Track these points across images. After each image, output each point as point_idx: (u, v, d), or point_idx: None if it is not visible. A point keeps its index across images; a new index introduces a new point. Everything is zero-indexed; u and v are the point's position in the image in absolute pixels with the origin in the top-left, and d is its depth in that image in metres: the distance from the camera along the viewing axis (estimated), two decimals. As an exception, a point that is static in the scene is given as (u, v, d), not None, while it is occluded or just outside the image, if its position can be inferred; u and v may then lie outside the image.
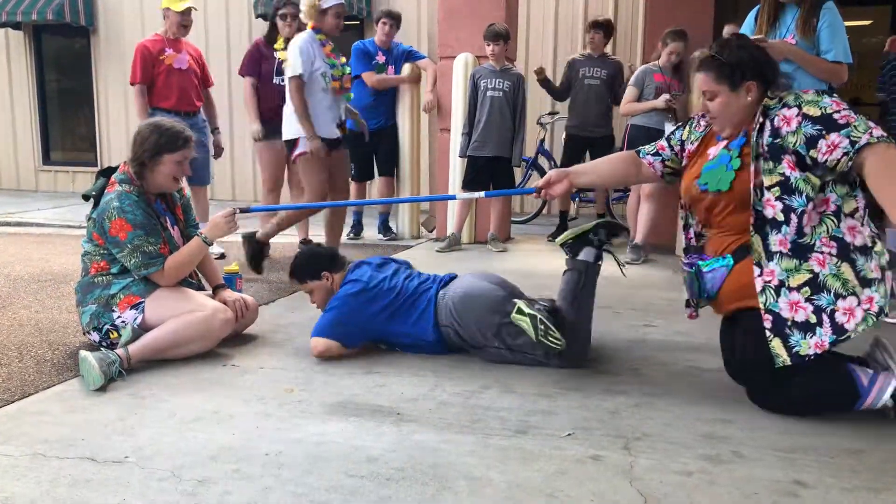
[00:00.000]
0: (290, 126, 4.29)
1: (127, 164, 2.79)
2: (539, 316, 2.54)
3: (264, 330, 3.18)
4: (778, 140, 2.15)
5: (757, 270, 2.18)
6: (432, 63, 5.87)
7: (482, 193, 3.15)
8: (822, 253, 2.13)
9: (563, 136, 6.07)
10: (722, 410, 2.29)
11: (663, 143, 2.58)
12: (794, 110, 2.14)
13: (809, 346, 2.12)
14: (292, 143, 4.29)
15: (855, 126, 2.05)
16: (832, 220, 2.15)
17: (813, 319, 2.12)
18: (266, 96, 4.93)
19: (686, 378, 2.61)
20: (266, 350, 2.92)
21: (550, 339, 2.54)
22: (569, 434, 2.10)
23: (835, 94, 2.25)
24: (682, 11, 5.54)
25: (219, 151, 5.23)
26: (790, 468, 1.90)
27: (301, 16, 4.30)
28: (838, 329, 2.11)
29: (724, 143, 2.33)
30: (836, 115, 2.08)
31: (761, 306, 2.17)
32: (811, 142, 2.09)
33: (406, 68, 5.79)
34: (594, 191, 6.18)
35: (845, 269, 2.11)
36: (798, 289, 2.13)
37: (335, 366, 2.69)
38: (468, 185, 5.28)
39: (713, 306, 2.42)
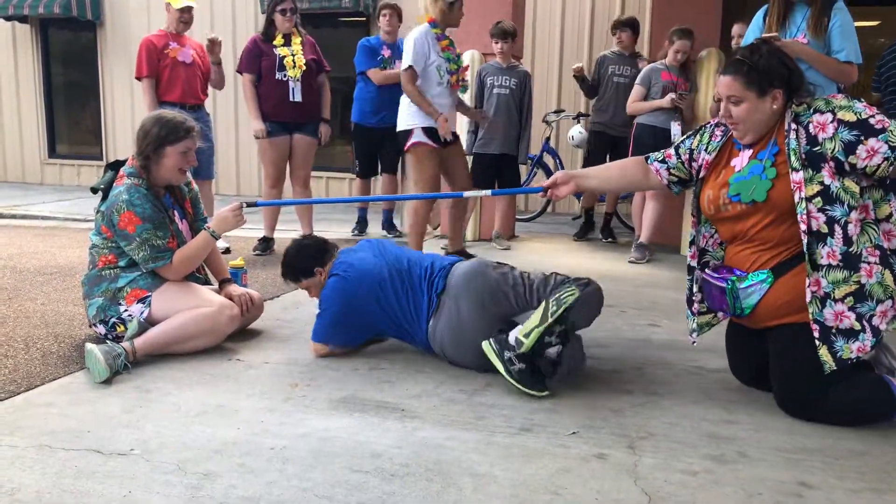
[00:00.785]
0: (405, 117, 4.39)
1: (134, 158, 2.80)
2: (514, 369, 2.38)
3: (269, 325, 3.18)
4: (816, 148, 2.12)
5: (807, 282, 2.15)
6: (439, 59, 5.86)
7: (489, 192, 3.15)
8: (868, 263, 2.12)
9: (581, 134, 6.07)
10: (727, 411, 2.29)
11: (671, 150, 2.54)
12: (829, 116, 2.11)
13: (852, 350, 2.13)
14: (406, 134, 4.37)
15: (891, 131, 2.05)
16: (873, 228, 2.14)
17: (857, 327, 2.13)
18: (268, 93, 4.91)
19: (691, 378, 2.61)
20: (271, 345, 2.92)
21: (524, 386, 2.37)
22: (573, 432, 2.10)
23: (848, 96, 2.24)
24: (689, 10, 5.53)
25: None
26: (795, 469, 1.90)
27: (426, 8, 4.38)
28: (875, 331, 2.13)
29: (750, 152, 2.28)
30: (871, 121, 2.07)
31: (810, 317, 2.15)
32: (850, 147, 2.07)
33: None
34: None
35: (887, 275, 2.12)
36: (842, 300, 2.13)
37: (340, 361, 2.70)
38: (474, 182, 5.28)
39: (746, 321, 2.36)
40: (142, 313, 2.73)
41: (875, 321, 2.13)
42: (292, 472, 1.84)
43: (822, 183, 2.11)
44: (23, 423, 2.13)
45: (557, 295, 2.39)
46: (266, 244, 5.12)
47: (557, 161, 7.04)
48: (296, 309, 3.49)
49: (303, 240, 2.95)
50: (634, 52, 5.69)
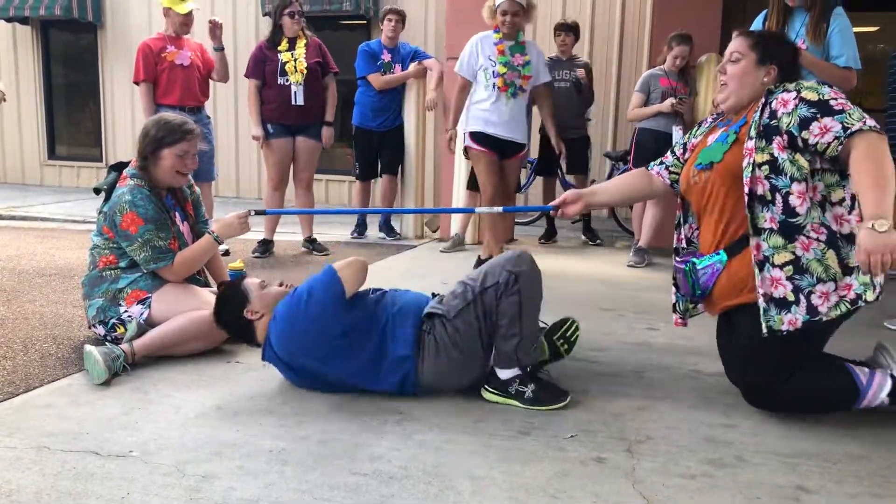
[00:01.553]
0: (462, 121, 4.62)
1: (136, 160, 2.81)
2: (528, 397, 2.31)
3: (268, 327, 3.18)
4: (773, 122, 2.16)
5: (753, 243, 2.18)
6: (438, 63, 5.88)
7: (500, 209, 3.16)
8: (808, 238, 2.13)
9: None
10: (725, 415, 2.29)
11: (668, 152, 2.61)
12: (793, 94, 2.16)
13: (783, 321, 2.14)
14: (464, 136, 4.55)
15: (849, 113, 2.07)
16: (818, 209, 2.15)
17: (791, 298, 2.13)
18: (270, 97, 4.96)
19: (689, 381, 2.61)
20: (270, 347, 2.92)
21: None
22: (572, 436, 2.10)
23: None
24: (690, 15, 5.54)
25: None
26: (793, 473, 1.90)
27: (484, 17, 4.44)
28: (812, 310, 2.12)
29: (726, 128, 2.35)
30: (832, 102, 2.10)
31: (755, 282, 2.16)
32: (804, 123, 2.10)
33: (411, 67, 5.80)
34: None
35: (830, 255, 2.12)
36: (781, 266, 2.14)
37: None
38: (473, 184, 5.29)
39: (706, 307, 2.42)
40: (141, 314, 2.73)
41: (814, 300, 2.12)
42: (291, 474, 1.84)
43: (771, 154, 2.15)
44: (21, 425, 2.13)
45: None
46: (266, 247, 5.12)
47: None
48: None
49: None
50: (572, 56, 5.79)
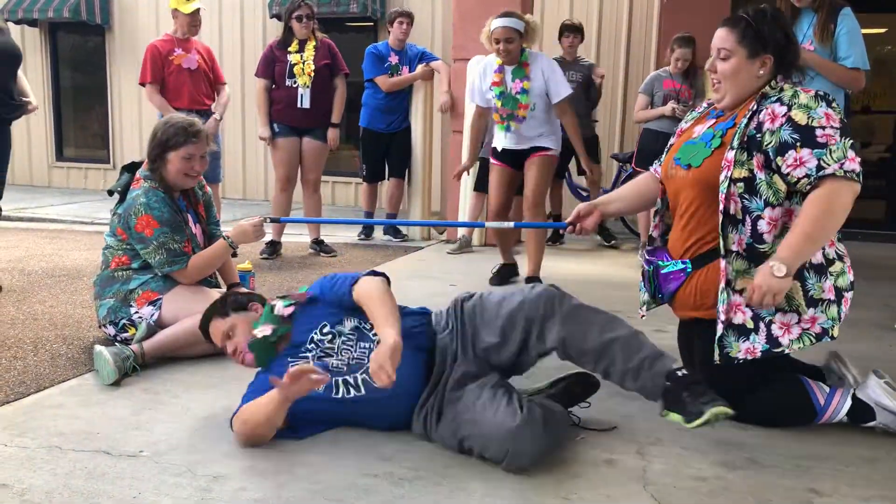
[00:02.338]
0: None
1: (147, 161, 2.81)
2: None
3: (277, 328, 3.18)
4: (758, 135, 2.04)
5: (722, 264, 2.09)
6: (446, 65, 5.88)
7: (512, 224, 3.15)
8: None
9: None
10: (736, 417, 2.28)
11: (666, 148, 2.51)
12: (784, 109, 2.01)
13: (740, 349, 2.08)
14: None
15: (831, 150, 1.93)
16: None
17: (750, 325, 2.07)
18: (279, 98, 4.98)
19: (699, 384, 2.60)
20: (279, 348, 2.92)
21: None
22: (581, 437, 2.10)
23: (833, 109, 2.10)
24: (697, 17, 5.53)
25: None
26: (805, 476, 1.89)
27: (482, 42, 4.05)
28: (772, 340, 2.06)
29: (713, 123, 2.23)
30: (818, 131, 1.95)
31: (718, 304, 2.09)
32: (782, 149, 1.98)
33: (419, 69, 5.81)
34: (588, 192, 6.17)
35: (794, 287, 2.02)
36: (741, 292, 2.07)
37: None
38: (480, 186, 5.29)
39: (672, 307, 2.36)
40: (152, 315, 2.74)
41: (774, 330, 2.06)
42: (302, 474, 1.84)
43: (750, 171, 2.04)
44: (33, 425, 2.13)
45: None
46: (273, 248, 5.13)
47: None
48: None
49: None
50: (576, 58, 5.78)
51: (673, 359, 1.97)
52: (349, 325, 2.09)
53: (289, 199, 5.19)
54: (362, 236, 6.04)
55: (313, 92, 4.92)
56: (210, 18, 6.44)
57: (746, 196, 2.05)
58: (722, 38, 2.16)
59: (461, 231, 5.59)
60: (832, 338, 2.07)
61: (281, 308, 2.15)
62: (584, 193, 6.79)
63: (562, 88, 3.95)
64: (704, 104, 2.42)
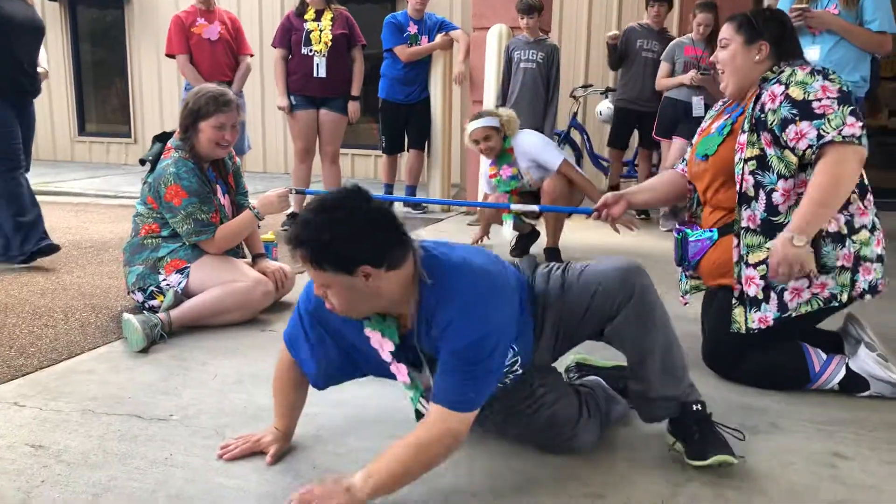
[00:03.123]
0: None
1: (179, 131, 2.84)
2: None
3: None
4: (762, 116, 2.13)
5: (735, 241, 2.19)
6: (465, 34, 5.83)
7: (537, 207, 3.14)
8: None
9: (609, 109, 5.97)
10: (729, 377, 2.28)
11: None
12: (782, 88, 2.10)
13: (754, 319, 2.16)
14: None
15: (829, 119, 2.01)
16: None
17: (761, 296, 2.14)
18: (295, 68, 4.95)
19: (721, 351, 2.60)
20: (302, 317, 2.96)
21: None
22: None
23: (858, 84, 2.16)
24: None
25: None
26: (828, 440, 1.90)
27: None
28: (782, 306, 2.13)
29: (727, 116, 2.32)
30: (814, 104, 2.03)
31: (734, 277, 2.19)
32: (783, 124, 2.07)
33: (438, 38, 5.76)
34: (637, 163, 6.10)
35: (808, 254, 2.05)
36: (755, 265, 2.14)
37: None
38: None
39: (702, 277, 2.43)
40: (179, 283, 2.78)
41: (786, 296, 2.12)
42: (327, 437, 1.88)
43: (761, 149, 2.12)
44: (66, 390, 2.19)
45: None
46: (295, 220, 5.14)
47: (585, 137, 6.98)
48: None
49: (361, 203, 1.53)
50: (663, 28, 5.59)
51: (697, 393, 1.84)
52: None
53: (308, 171, 5.20)
54: (382, 208, 6.04)
55: (329, 60, 4.89)
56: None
57: (759, 172, 2.13)
58: (723, 30, 2.31)
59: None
60: (841, 303, 2.13)
61: None
62: (606, 164, 6.75)
63: (552, 159, 3.87)
64: (720, 103, 2.50)
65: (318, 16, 4.91)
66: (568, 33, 7.91)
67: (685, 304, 2.57)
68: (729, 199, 2.24)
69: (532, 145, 3.93)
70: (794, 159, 2.08)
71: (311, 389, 1.84)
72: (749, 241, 2.14)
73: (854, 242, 2.10)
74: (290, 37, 4.94)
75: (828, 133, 2.00)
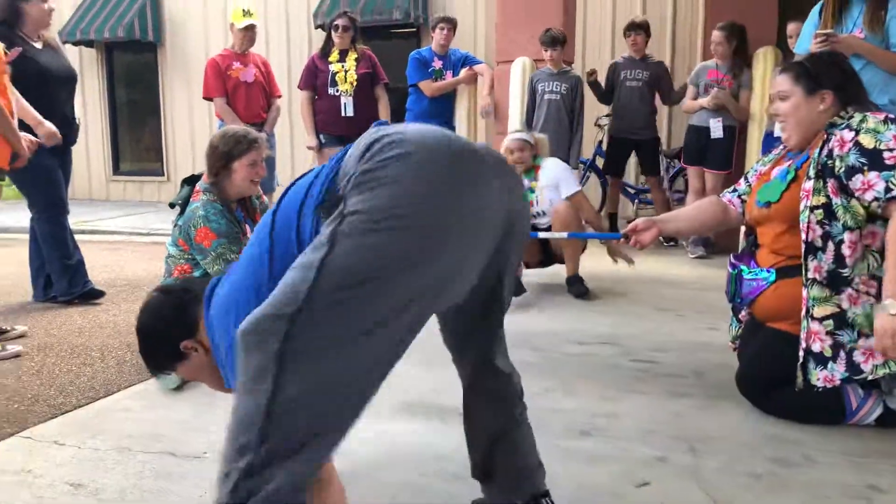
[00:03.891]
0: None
1: (207, 175, 2.92)
2: None
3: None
4: (830, 162, 2.07)
5: (804, 292, 2.12)
6: (489, 68, 5.91)
7: (566, 235, 3.17)
8: (857, 291, 2.05)
9: (606, 139, 6.04)
10: (764, 409, 2.25)
11: (742, 179, 2.55)
12: (852, 134, 2.04)
13: (819, 377, 2.09)
14: None
15: None
16: (874, 258, 2.06)
17: (828, 353, 2.08)
18: (322, 108, 5.09)
19: (753, 381, 2.57)
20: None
21: None
22: (643, 485, 2.10)
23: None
24: (745, 7, 5.44)
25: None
26: (864, 472, 1.86)
27: None
28: (854, 368, 2.06)
29: (790, 162, 2.27)
30: (885, 154, 1.97)
31: (802, 329, 2.12)
32: (850, 172, 2.01)
33: (462, 72, 5.85)
34: (650, 191, 6.11)
35: None
36: (821, 320, 2.08)
37: (400, 366, 2.74)
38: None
39: (751, 312, 2.37)
40: (211, 324, 2.84)
41: (857, 357, 2.05)
42: (362, 473, 1.90)
43: (827, 197, 2.07)
44: (103, 427, 2.24)
45: None
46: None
47: (610, 165, 6.99)
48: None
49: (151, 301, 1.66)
50: (645, 56, 5.68)
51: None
52: None
53: (336, 207, 5.27)
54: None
55: (356, 100, 5.02)
56: (262, 31, 6.60)
57: (826, 222, 2.07)
58: (779, 82, 2.25)
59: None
60: None
61: None
62: (632, 191, 6.75)
63: (571, 186, 4.00)
64: (780, 147, 2.43)
65: (343, 56, 5.04)
66: (591, 63, 7.96)
67: (734, 349, 2.51)
68: (792, 245, 2.18)
69: (557, 167, 4.13)
70: (860, 210, 2.03)
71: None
72: (815, 293, 2.08)
73: None
74: (315, 78, 5.08)
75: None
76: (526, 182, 4.08)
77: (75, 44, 9.73)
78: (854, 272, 2.04)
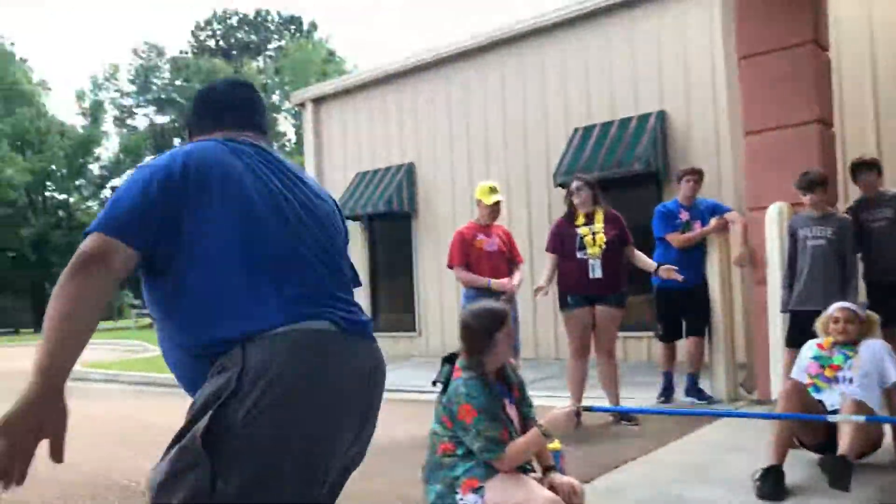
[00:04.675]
0: None
1: (466, 353, 3.04)
2: None
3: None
4: None
5: None
6: (740, 215, 5.66)
7: (863, 418, 2.85)
8: None
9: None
10: None
11: None
12: None
13: None
14: None
15: None
16: None
17: None
18: (569, 269, 5.10)
19: None
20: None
21: None
22: None
23: None
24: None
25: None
26: None
27: None
28: None
29: None
30: None
31: None
32: None
33: (712, 222, 5.66)
34: None
35: None
36: None
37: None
38: (793, 341, 4.82)
39: None
40: (476, 503, 2.83)
41: None
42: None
43: None
44: None
45: None
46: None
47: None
48: (611, 499, 3.35)
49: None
50: (880, 192, 5.04)
51: None
52: None
53: (584, 367, 5.19)
54: (661, 399, 5.77)
55: (604, 262, 5.00)
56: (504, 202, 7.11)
57: None
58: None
59: (775, 391, 5.07)
60: None
61: None
62: None
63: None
64: None
65: (590, 219, 5.09)
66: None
67: None
68: None
69: (883, 350, 3.86)
70: None
71: None
72: None
73: None
74: (562, 244, 5.16)
75: None
76: (838, 352, 3.86)
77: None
78: None
